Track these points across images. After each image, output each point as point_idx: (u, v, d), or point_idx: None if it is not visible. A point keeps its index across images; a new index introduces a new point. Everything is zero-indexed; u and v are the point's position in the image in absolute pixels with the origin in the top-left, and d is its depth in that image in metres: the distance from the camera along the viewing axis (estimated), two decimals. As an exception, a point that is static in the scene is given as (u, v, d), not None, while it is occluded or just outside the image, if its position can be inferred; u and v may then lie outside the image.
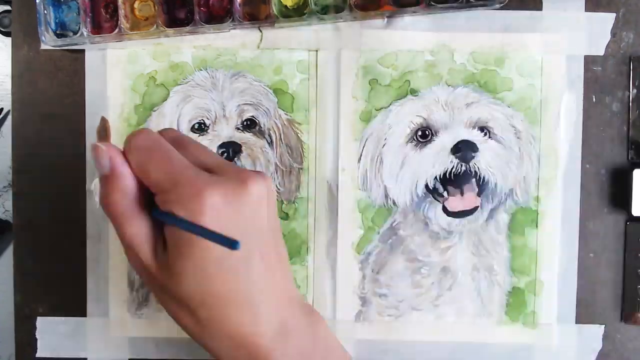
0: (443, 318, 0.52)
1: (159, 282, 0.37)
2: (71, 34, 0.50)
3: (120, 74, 0.52)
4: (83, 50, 0.52)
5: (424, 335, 0.52)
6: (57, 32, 0.50)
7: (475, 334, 0.52)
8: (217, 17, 0.50)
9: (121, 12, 0.49)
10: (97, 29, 0.50)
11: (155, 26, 0.49)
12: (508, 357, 0.52)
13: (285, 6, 0.50)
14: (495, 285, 0.52)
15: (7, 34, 0.55)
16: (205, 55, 0.52)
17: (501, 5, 0.50)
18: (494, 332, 0.52)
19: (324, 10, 0.50)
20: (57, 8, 0.50)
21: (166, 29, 0.49)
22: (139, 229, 0.37)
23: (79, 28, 0.49)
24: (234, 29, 0.50)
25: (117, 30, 0.49)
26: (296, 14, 0.50)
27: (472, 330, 0.52)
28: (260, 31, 0.51)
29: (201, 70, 0.52)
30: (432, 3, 0.49)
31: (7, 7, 0.55)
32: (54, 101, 0.52)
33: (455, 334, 0.52)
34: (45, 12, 0.49)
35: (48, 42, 0.49)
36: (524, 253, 0.52)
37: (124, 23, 0.49)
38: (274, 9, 0.49)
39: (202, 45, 0.52)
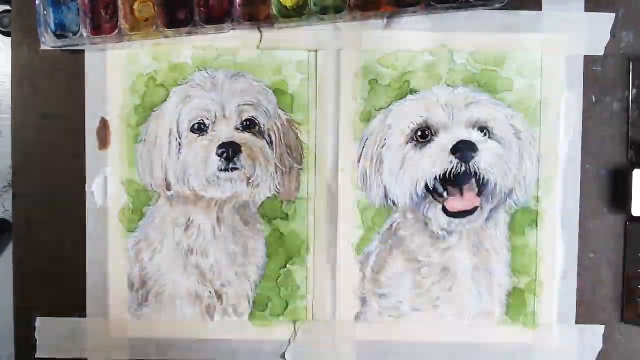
0: (443, 318, 0.52)
1: None
2: (71, 35, 0.50)
3: (120, 75, 0.52)
4: (83, 51, 0.52)
5: (424, 335, 0.52)
6: (57, 33, 0.50)
7: (475, 334, 0.52)
8: (217, 17, 0.50)
9: (121, 13, 0.49)
10: (97, 30, 0.50)
11: (155, 27, 0.49)
12: (508, 357, 0.52)
13: (285, 7, 0.50)
14: (495, 285, 0.52)
15: (7, 34, 0.55)
16: (205, 56, 0.52)
17: (501, 5, 0.50)
18: (494, 332, 0.52)
19: (324, 11, 0.50)
20: (57, 9, 0.50)
21: (166, 29, 0.49)
22: None
23: (79, 29, 0.49)
24: (234, 29, 0.50)
25: (117, 31, 0.49)
26: (296, 14, 0.50)
27: (472, 330, 0.52)
28: (260, 32, 0.51)
29: (201, 70, 0.52)
30: (432, 3, 0.49)
31: (7, 7, 0.55)
32: (54, 101, 0.52)
33: (455, 334, 0.52)
34: (45, 12, 0.49)
35: (48, 43, 0.49)
36: (524, 253, 0.52)
37: (123, 24, 0.49)
38: (274, 10, 0.49)
39: (202, 46, 0.52)
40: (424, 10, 0.50)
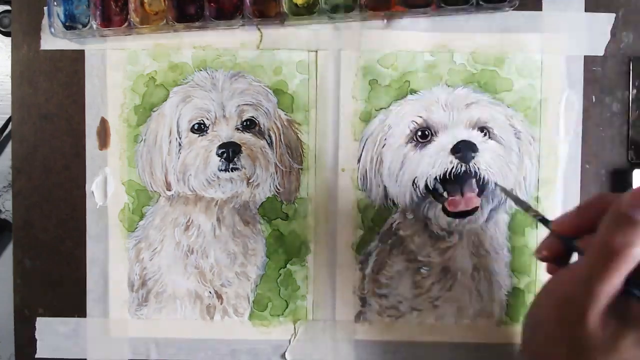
0: (443, 318, 0.52)
1: (586, 342, 0.34)
2: (80, 26, 0.50)
3: (120, 75, 0.52)
4: (83, 51, 0.52)
5: (424, 335, 0.52)
6: (67, 24, 0.50)
7: (475, 334, 0.52)
8: (227, 13, 0.50)
9: (131, 6, 0.49)
10: (107, 22, 0.50)
11: (164, 21, 0.49)
12: (508, 357, 0.52)
13: (296, 4, 0.50)
14: (495, 285, 0.52)
15: (7, 34, 0.55)
16: (205, 56, 0.52)
17: (512, 8, 0.50)
18: (494, 332, 0.52)
19: (334, 10, 0.50)
20: (67, 0, 0.50)
21: (176, 23, 0.49)
22: (613, 287, 0.34)
23: (89, 21, 0.49)
24: (243, 25, 0.50)
25: (126, 24, 0.49)
26: (306, 12, 0.50)
27: (472, 331, 0.52)
28: (260, 31, 0.51)
29: (201, 70, 0.52)
30: (443, 4, 0.49)
31: (7, 7, 0.55)
32: (54, 101, 0.52)
33: (455, 334, 0.52)
34: (55, 3, 0.49)
35: (57, 34, 0.49)
36: (524, 253, 0.52)
37: (133, 17, 0.49)
38: (284, 7, 0.49)
39: (202, 46, 0.52)
40: (435, 11, 0.49)
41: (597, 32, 0.51)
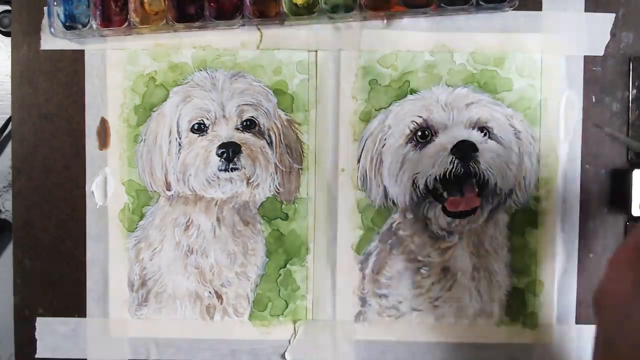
0: (443, 318, 0.52)
1: None
2: (80, 26, 0.50)
3: (120, 75, 0.52)
4: (83, 51, 0.52)
5: (424, 335, 0.52)
6: (67, 24, 0.50)
7: (475, 334, 0.52)
8: (227, 13, 0.50)
9: (131, 6, 0.49)
10: (107, 22, 0.50)
11: (164, 21, 0.49)
12: (508, 357, 0.52)
13: (296, 4, 0.50)
14: (495, 285, 0.52)
15: (7, 34, 0.55)
16: (205, 56, 0.52)
17: (511, 8, 0.50)
18: (494, 332, 0.52)
19: (334, 10, 0.50)
20: (67, 0, 0.50)
21: (176, 23, 0.49)
22: None
23: (89, 21, 0.49)
24: (243, 25, 0.50)
25: (126, 24, 0.49)
26: (306, 12, 0.50)
27: (472, 331, 0.52)
28: (260, 31, 0.51)
29: (201, 70, 0.52)
30: (443, 5, 0.49)
31: (7, 7, 0.55)
32: (54, 101, 0.52)
33: (455, 334, 0.52)
34: (55, 3, 0.49)
35: (57, 34, 0.49)
36: (524, 253, 0.52)
37: (133, 17, 0.49)
38: (284, 7, 0.49)
39: (202, 46, 0.52)
40: (435, 11, 0.49)
41: (597, 32, 0.51)
